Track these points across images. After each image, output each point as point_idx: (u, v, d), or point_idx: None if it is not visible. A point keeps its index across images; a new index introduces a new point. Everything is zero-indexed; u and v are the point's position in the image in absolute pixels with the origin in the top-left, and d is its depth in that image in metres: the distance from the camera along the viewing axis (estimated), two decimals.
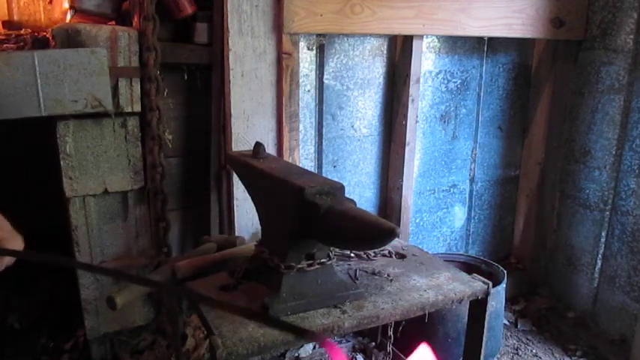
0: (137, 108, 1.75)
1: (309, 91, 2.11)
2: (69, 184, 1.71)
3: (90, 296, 1.83)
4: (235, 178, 1.83)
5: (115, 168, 1.76)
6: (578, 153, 2.44)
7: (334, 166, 2.26)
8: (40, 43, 1.86)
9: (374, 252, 1.56)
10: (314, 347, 2.18)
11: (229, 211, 1.95)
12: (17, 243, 0.89)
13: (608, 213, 2.34)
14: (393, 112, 2.28)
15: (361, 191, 2.35)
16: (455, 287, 1.36)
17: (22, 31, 2.02)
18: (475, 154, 2.60)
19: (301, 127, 2.06)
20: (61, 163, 1.69)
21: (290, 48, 1.86)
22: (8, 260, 0.89)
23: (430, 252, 1.71)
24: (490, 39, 2.43)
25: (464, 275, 1.43)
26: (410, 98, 2.17)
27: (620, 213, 2.29)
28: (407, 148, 2.22)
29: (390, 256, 1.57)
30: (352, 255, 1.55)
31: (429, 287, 1.36)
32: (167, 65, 1.79)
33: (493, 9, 2.13)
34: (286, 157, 1.92)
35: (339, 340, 2.24)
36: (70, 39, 1.63)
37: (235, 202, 1.90)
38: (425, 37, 2.17)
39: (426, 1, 2.00)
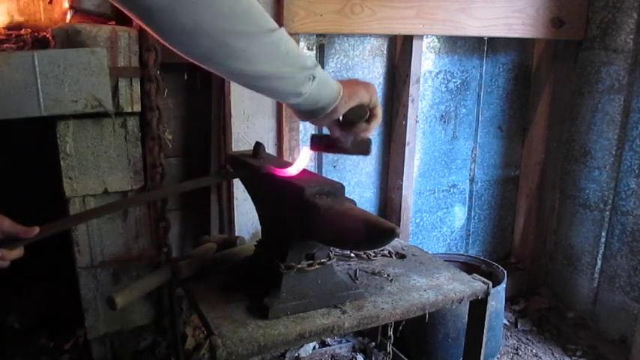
0: (137, 108, 1.75)
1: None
2: (69, 184, 1.71)
3: (90, 296, 1.83)
4: (236, 179, 1.83)
5: (115, 168, 1.76)
6: (578, 153, 2.44)
7: (334, 166, 2.26)
8: (40, 43, 1.86)
9: (374, 252, 1.56)
10: (314, 347, 2.18)
11: (229, 211, 1.95)
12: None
13: (608, 213, 2.34)
14: (393, 112, 2.28)
15: (361, 191, 2.35)
16: (455, 287, 1.36)
17: (22, 31, 2.02)
18: (475, 154, 2.60)
19: (301, 127, 2.06)
20: (61, 163, 1.69)
21: None
22: (18, 252, 0.92)
23: (430, 252, 1.71)
24: (490, 39, 2.43)
25: (464, 275, 1.43)
26: (410, 98, 2.17)
27: (620, 213, 2.29)
28: (407, 148, 2.22)
29: (390, 256, 1.57)
30: (352, 255, 1.55)
31: (429, 287, 1.35)
32: (167, 65, 1.79)
33: (493, 9, 2.13)
34: (286, 157, 1.92)
35: (339, 340, 2.24)
36: (70, 39, 1.63)
37: (235, 202, 1.90)
38: (425, 37, 2.17)
39: (426, 1, 2.00)
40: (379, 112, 1.15)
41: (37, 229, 0.92)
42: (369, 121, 1.14)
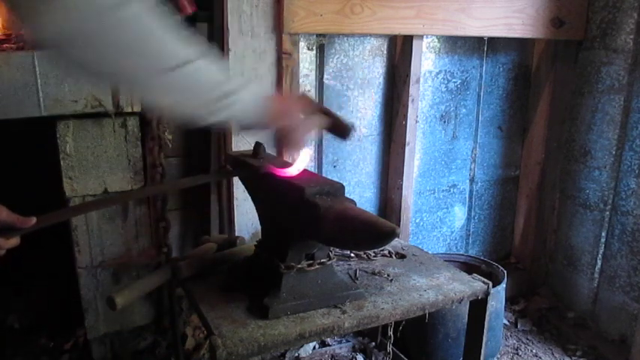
0: (137, 108, 1.74)
1: (309, 91, 2.11)
2: (69, 184, 1.71)
3: (90, 296, 1.83)
4: (235, 178, 1.83)
5: (115, 168, 1.76)
6: (578, 153, 2.44)
7: (334, 166, 2.26)
8: None
9: (374, 252, 1.56)
10: (314, 347, 2.18)
11: (229, 211, 1.95)
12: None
13: (608, 213, 2.34)
14: (393, 112, 2.28)
15: (361, 191, 2.35)
16: (455, 287, 1.36)
17: (22, 31, 2.02)
18: (475, 154, 2.60)
19: None
20: (61, 163, 1.69)
21: (290, 48, 1.86)
22: (15, 242, 0.92)
23: (430, 252, 1.71)
24: (490, 39, 2.43)
25: (464, 275, 1.43)
26: (410, 98, 2.17)
27: (620, 213, 2.29)
28: (407, 148, 2.22)
29: (390, 256, 1.57)
30: (352, 255, 1.55)
31: (429, 287, 1.36)
32: None
33: (493, 9, 2.13)
34: (286, 157, 1.92)
35: (339, 340, 2.24)
36: None
37: (235, 202, 1.90)
38: (425, 37, 2.17)
39: (426, 1, 2.00)
40: (295, 137, 1.11)
41: (34, 219, 0.92)
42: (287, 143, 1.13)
